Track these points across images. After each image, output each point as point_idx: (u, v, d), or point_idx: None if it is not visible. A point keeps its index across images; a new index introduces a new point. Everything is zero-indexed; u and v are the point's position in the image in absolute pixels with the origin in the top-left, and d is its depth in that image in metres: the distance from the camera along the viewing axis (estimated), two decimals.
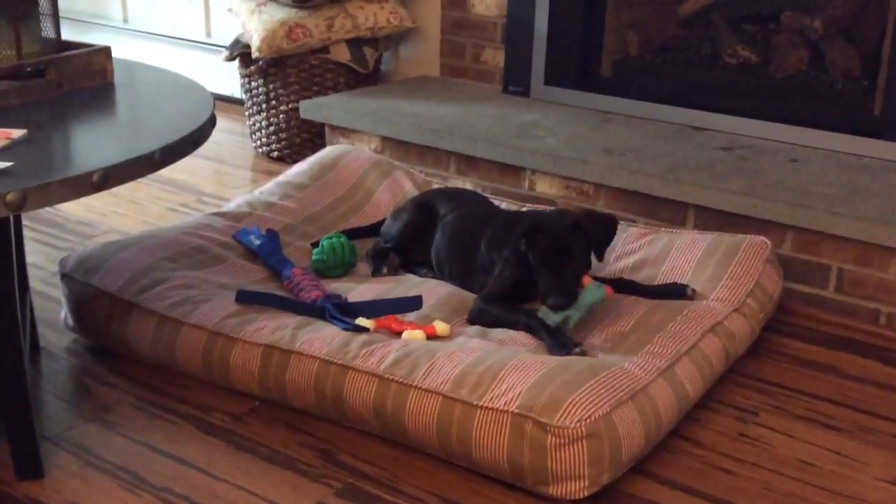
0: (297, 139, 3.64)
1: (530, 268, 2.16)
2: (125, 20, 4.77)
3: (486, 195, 2.73)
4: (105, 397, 2.10)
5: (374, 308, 2.17)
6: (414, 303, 2.20)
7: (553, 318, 2.09)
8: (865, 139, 2.92)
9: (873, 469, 1.91)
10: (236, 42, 3.71)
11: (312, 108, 3.44)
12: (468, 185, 3.08)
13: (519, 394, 1.80)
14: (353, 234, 2.62)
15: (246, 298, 2.20)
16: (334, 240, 2.46)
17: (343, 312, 2.14)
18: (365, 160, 2.97)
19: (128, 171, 1.72)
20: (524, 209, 2.72)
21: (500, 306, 2.19)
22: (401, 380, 1.90)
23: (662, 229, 2.59)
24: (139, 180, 1.84)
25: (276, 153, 3.70)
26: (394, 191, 2.89)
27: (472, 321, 2.21)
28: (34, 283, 2.53)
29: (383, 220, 2.67)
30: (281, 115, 3.64)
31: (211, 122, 2.01)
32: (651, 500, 1.80)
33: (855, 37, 3.17)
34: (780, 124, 3.06)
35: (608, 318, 2.19)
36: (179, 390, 2.13)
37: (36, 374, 2.18)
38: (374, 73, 3.75)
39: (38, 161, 1.69)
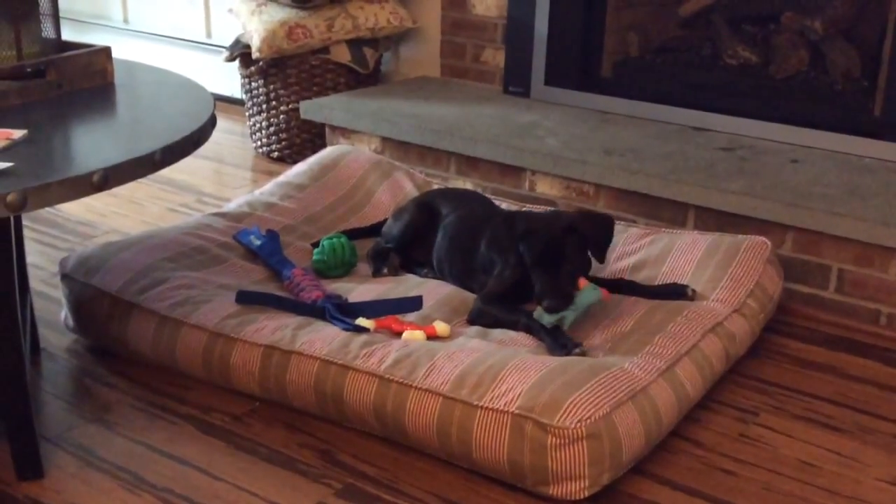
0: (298, 139, 3.64)
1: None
2: (125, 20, 4.77)
3: (487, 196, 2.73)
4: (105, 398, 2.10)
5: (374, 308, 2.17)
6: (414, 303, 2.20)
7: (548, 319, 2.09)
8: (866, 140, 2.92)
9: (873, 469, 1.91)
10: (237, 42, 3.71)
11: (313, 109, 3.44)
12: (468, 186, 3.08)
13: (519, 394, 1.80)
14: (354, 234, 2.62)
15: (246, 299, 2.20)
16: (334, 240, 2.46)
17: (343, 313, 2.14)
18: (365, 161, 2.97)
19: (128, 171, 1.72)
20: (524, 209, 2.73)
21: (500, 307, 2.19)
22: (401, 380, 1.90)
23: (663, 230, 2.59)
24: (139, 181, 1.84)
25: (276, 153, 3.70)
26: (394, 191, 2.89)
27: (472, 321, 2.21)
28: (34, 283, 2.53)
29: (383, 221, 2.67)
30: (281, 116, 3.64)
31: (211, 123, 2.01)
32: (651, 501, 1.80)
33: (855, 37, 3.17)
34: (781, 125, 3.06)
35: (608, 319, 2.19)
36: (180, 391, 2.13)
37: (36, 374, 2.18)
38: (375, 74, 3.75)
39: (38, 161, 1.69)
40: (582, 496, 1.77)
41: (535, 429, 1.75)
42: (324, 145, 3.41)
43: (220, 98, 4.16)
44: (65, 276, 2.34)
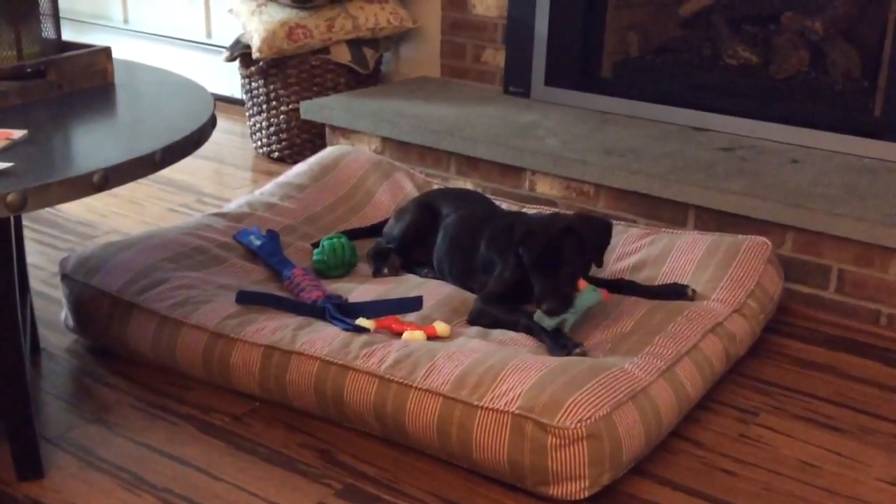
0: (298, 140, 3.64)
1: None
2: (126, 21, 4.77)
3: (488, 196, 2.73)
4: (105, 398, 2.10)
5: (374, 308, 2.17)
6: (414, 303, 2.20)
7: (548, 322, 2.09)
8: (866, 140, 2.92)
9: (874, 470, 1.91)
10: (237, 43, 3.71)
11: (313, 109, 3.44)
12: (469, 186, 3.08)
13: (519, 394, 1.80)
14: (354, 234, 2.63)
15: (246, 299, 2.20)
16: (335, 240, 2.46)
17: (343, 313, 2.14)
18: (365, 161, 2.97)
19: (128, 171, 1.72)
20: (524, 210, 2.73)
21: (501, 307, 2.19)
22: (401, 380, 1.90)
23: (663, 230, 2.59)
24: (139, 181, 1.84)
25: (276, 154, 3.70)
26: (394, 191, 2.89)
27: (472, 322, 2.21)
28: (34, 283, 2.53)
29: (384, 221, 2.67)
30: (281, 116, 3.64)
31: (211, 123, 2.01)
32: (651, 501, 1.80)
33: (855, 38, 3.17)
34: (781, 125, 3.06)
35: (609, 319, 2.19)
36: (180, 391, 2.13)
37: (36, 374, 2.18)
38: (375, 74, 3.75)
39: (38, 162, 1.69)
40: (582, 496, 1.77)
41: (536, 429, 1.75)
42: (324, 145, 3.41)
43: (220, 98, 4.16)
44: (65, 277, 2.34)
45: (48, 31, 2.13)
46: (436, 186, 2.94)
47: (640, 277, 2.38)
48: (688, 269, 2.38)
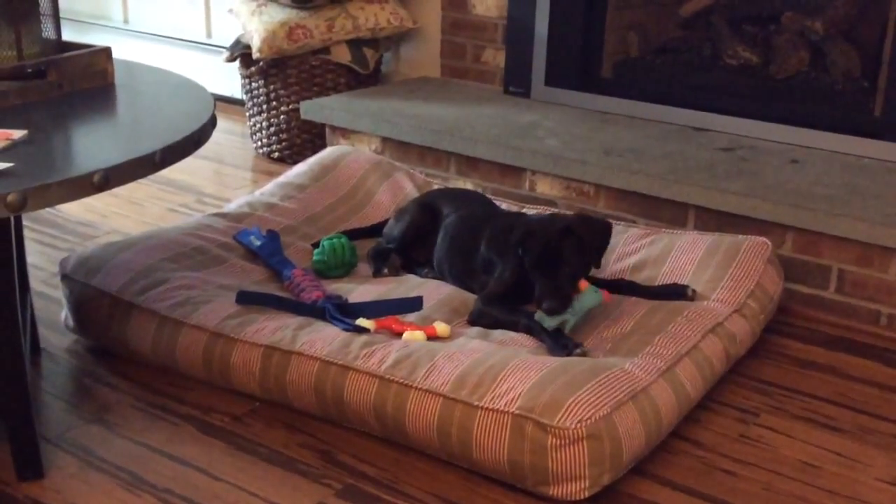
0: (298, 140, 3.64)
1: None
2: (126, 21, 4.77)
3: (488, 196, 2.73)
4: (105, 398, 2.10)
5: (374, 309, 2.17)
6: (414, 304, 2.20)
7: (549, 323, 2.09)
8: (866, 140, 2.92)
9: (874, 470, 1.91)
10: (237, 43, 3.71)
11: (313, 109, 3.44)
12: (469, 186, 3.08)
13: (519, 395, 1.80)
14: (354, 234, 2.63)
15: (246, 299, 2.20)
16: (335, 240, 2.46)
17: (343, 313, 2.14)
18: (365, 161, 2.97)
19: (128, 171, 1.72)
20: (524, 210, 2.73)
21: (501, 307, 2.19)
22: (401, 380, 1.90)
23: (663, 230, 2.59)
24: (140, 181, 1.84)
25: (276, 154, 3.70)
26: (394, 192, 2.89)
27: (472, 322, 2.21)
28: (34, 283, 2.53)
29: (384, 221, 2.67)
30: (281, 116, 3.64)
31: (211, 123, 2.01)
32: (651, 501, 1.80)
33: (855, 38, 3.17)
34: (781, 125, 3.06)
35: (609, 319, 2.19)
36: (180, 391, 2.13)
37: (36, 374, 2.18)
38: (375, 74, 3.75)
39: (38, 162, 1.69)
40: (582, 497, 1.77)
41: (536, 429, 1.75)
42: (324, 146, 3.41)
43: (220, 98, 4.16)
44: (65, 277, 2.34)
45: (48, 32, 2.13)
46: (436, 187, 2.94)
47: (641, 278, 2.38)
48: (688, 269, 2.38)
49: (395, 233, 2.54)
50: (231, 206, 2.77)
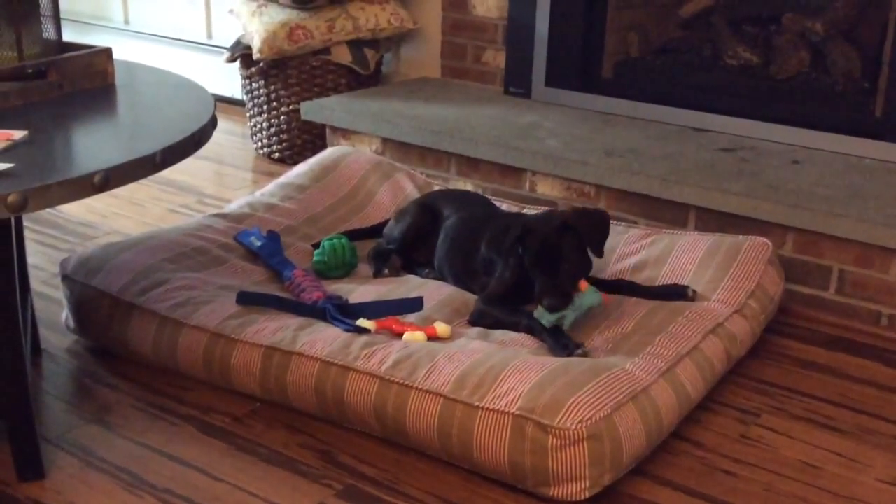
0: (298, 140, 3.64)
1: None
2: (126, 21, 4.77)
3: (488, 197, 2.73)
4: (106, 398, 2.10)
5: (374, 309, 2.17)
6: (415, 304, 2.20)
7: (548, 319, 2.09)
8: (866, 140, 2.92)
9: (874, 470, 1.91)
10: (237, 43, 3.71)
11: (313, 110, 3.44)
12: (469, 187, 3.08)
13: (520, 395, 1.80)
14: (354, 235, 2.63)
15: (247, 300, 2.20)
16: (335, 241, 2.46)
17: (344, 314, 2.14)
18: (366, 161, 2.97)
19: (129, 172, 1.72)
20: (525, 211, 2.73)
21: (501, 308, 2.19)
22: (402, 381, 1.90)
23: (663, 230, 2.59)
24: (140, 182, 1.84)
25: (276, 154, 3.70)
26: (395, 192, 2.89)
27: (473, 323, 2.21)
28: (35, 284, 2.53)
29: (384, 222, 2.67)
30: (282, 117, 3.64)
31: (212, 124, 2.01)
32: (652, 502, 1.80)
33: (856, 38, 3.17)
34: (782, 126, 3.06)
35: (609, 320, 2.19)
36: (180, 391, 2.13)
37: (37, 375, 2.18)
38: (375, 75, 3.75)
39: (39, 162, 1.69)
40: (583, 497, 1.77)
41: (536, 430, 1.75)
42: (324, 146, 3.41)
43: (220, 99, 4.16)
44: (65, 277, 2.34)
45: (49, 32, 2.13)
46: (436, 187, 2.94)
47: (641, 278, 2.38)
48: (688, 269, 2.38)
49: (395, 233, 2.54)
50: (231, 207, 2.77)
